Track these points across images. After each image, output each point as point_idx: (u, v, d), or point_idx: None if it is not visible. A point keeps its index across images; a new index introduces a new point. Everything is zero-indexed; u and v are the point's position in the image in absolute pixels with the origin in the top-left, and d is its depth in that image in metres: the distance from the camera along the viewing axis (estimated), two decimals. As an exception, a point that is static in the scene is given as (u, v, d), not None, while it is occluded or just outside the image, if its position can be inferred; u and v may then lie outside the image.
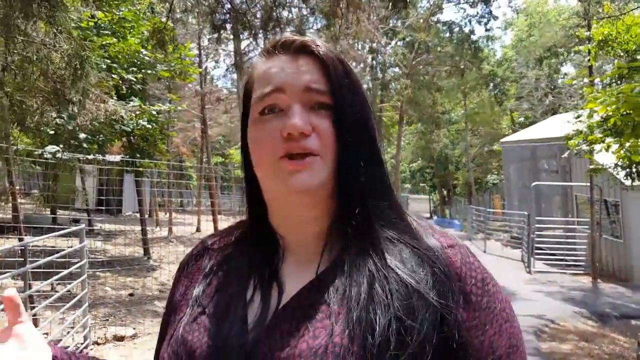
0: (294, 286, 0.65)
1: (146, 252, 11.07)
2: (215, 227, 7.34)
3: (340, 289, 0.61)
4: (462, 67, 26.47)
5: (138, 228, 12.57)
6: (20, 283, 6.75)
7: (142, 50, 10.56)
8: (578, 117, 8.01)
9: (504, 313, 0.63)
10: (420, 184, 36.84)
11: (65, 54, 3.38)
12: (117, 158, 10.24)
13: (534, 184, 14.70)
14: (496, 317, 0.62)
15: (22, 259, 4.57)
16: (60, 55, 3.39)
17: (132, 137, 10.84)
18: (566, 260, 11.89)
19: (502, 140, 22.70)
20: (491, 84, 29.99)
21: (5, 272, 4.40)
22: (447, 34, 26.37)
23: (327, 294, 0.62)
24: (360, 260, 0.63)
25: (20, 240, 4.99)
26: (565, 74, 29.77)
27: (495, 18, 27.52)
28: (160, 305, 7.36)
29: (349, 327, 0.57)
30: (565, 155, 9.54)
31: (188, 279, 0.75)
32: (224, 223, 18.92)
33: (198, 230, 17.49)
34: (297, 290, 0.64)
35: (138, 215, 13.02)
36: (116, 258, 9.95)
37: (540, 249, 12.23)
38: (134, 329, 5.99)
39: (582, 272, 11.39)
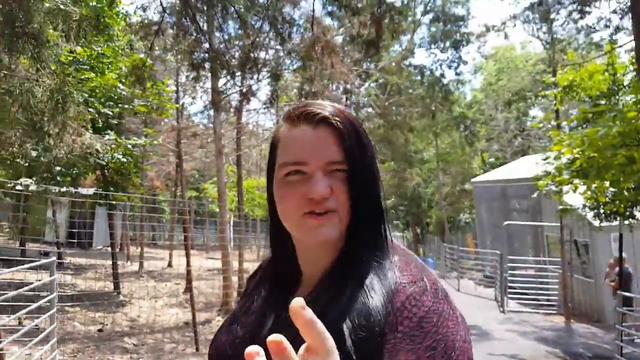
0: None
1: (116, 286, 10.76)
2: (188, 262, 7.22)
3: (319, 301, 0.74)
4: (433, 108, 27.23)
5: (109, 262, 12.22)
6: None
7: (120, 85, 10.59)
8: (546, 158, 8.29)
9: (433, 352, 0.65)
10: (394, 222, 37.04)
11: (47, 88, 3.37)
12: (91, 191, 10.05)
13: (505, 223, 14.98)
14: (417, 350, 0.65)
15: (-11, 293, 4.38)
16: (42, 89, 3.38)
17: (106, 170, 10.71)
18: (539, 300, 12.01)
19: (473, 179, 23.22)
20: (462, 126, 30.87)
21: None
22: (419, 77, 27.23)
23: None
24: (339, 284, 0.76)
25: (-12, 274, 4.79)
26: (534, 117, 30.95)
27: (465, 63, 28.69)
28: (130, 342, 7.13)
29: None
30: (535, 195, 9.81)
31: (245, 290, 0.99)
32: (197, 258, 18.54)
33: (169, 265, 17.07)
34: None
35: (109, 249, 12.68)
36: (85, 292, 9.62)
37: (513, 288, 12.34)
38: (102, 367, 5.76)
39: (554, 311, 11.52)
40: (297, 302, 0.47)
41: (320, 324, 0.48)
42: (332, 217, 0.77)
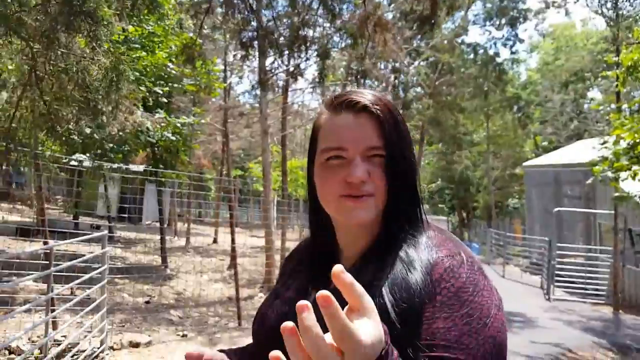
0: None
1: (164, 260, 11.19)
2: (232, 239, 7.40)
3: (364, 278, 0.75)
4: (485, 89, 26.28)
5: (157, 237, 12.72)
6: (42, 286, 6.90)
7: (170, 64, 10.82)
8: (604, 143, 7.88)
9: (469, 319, 0.70)
10: (439, 205, 36.36)
11: (102, 67, 3.52)
12: (141, 168, 10.45)
13: (556, 209, 14.44)
14: (454, 317, 0.70)
15: (47, 262, 4.66)
16: (97, 68, 3.53)
17: (156, 148, 11.05)
18: (587, 289, 11.58)
19: (524, 163, 22.41)
20: (515, 107, 29.66)
21: (29, 274, 4.49)
22: (472, 56, 26.28)
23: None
24: (379, 261, 0.81)
25: (45, 244, 5.09)
26: (592, 99, 29.34)
27: (522, 41, 27.33)
28: (176, 314, 7.44)
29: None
30: (590, 181, 9.36)
31: (282, 271, 1.08)
32: (241, 236, 19.00)
33: (215, 241, 17.58)
34: None
35: (158, 224, 13.20)
36: (135, 265, 10.08)
37: (561, 276, 11.95)
38: (149, 336, 6.04)
39: (603, 301, 11.08)
40: (338, 267, 0.52)
41: (358, 286, 0.53)
42: (368, 200, 0.82)
